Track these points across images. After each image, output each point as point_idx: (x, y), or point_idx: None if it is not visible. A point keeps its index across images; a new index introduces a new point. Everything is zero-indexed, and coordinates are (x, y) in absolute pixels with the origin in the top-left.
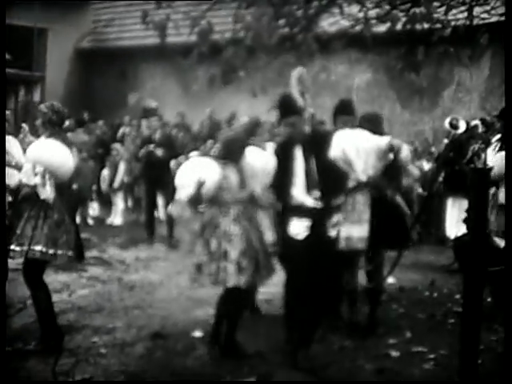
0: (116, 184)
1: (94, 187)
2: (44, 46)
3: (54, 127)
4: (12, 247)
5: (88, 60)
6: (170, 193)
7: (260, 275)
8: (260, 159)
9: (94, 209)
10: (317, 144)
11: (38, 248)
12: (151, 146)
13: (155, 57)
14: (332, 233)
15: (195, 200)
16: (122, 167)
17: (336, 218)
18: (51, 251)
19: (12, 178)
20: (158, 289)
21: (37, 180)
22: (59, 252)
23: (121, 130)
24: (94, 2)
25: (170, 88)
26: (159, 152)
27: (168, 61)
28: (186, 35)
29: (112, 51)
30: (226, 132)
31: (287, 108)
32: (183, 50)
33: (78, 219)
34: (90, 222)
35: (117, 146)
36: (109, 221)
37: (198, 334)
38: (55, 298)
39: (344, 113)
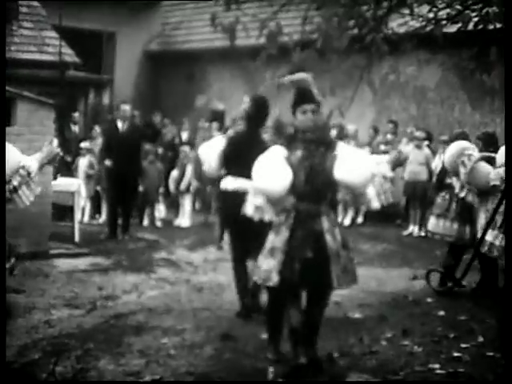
0: (183, 186)
1: (161, 189)
2: (113, 49)
3: None
4: None
5: (156, 62)
6: None
7: None
8: None
9: (160, 211)
10: None
11: None
12: None
13: (222, 59)
14: None
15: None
16: (189, 169)
17: None
18: None
19: None
20: (226, 290)
21: None
22: None
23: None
24: (163, 5)
25: (238, 90)
26: None
27: (235, 63)
28: (254, 37)
29: (180, 54)
30: None
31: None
32: (250, 51)
33: (145, 221)
34: (158, 223)
35: (185, 148)
36: (176, 222)
37: (265, 335)
38: (125, 298)
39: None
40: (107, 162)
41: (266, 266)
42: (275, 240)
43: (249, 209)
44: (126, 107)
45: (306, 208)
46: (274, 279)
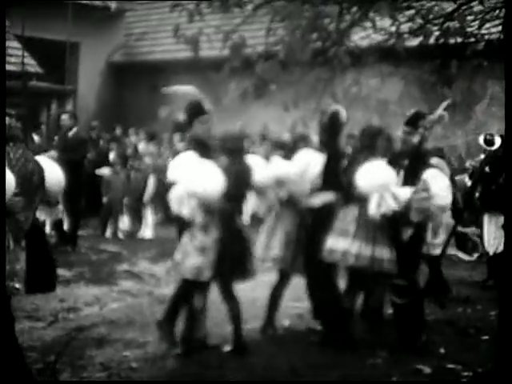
0: (146, 198)
1: (125, 201)
2: (76, 60)
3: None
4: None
5: (120, 73)
6: None
7: None
8: None
9: (124, 222)
10: None
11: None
12: None
13: (186, 70)
14: None
15: None
16: (151, 180)
17: None
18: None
19: None
20: None
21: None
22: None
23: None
24: (126, 16)
25: None
26: None
27: (199, 74)
28: (218, 49)
29: (144, 64)
30: None
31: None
32: (214, 63)
33: (108, 233)
34: (121, 235)
35: (146, 159)
36: (139, 234)
37: (229, 348)
38: (86, 311)
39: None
40: None
41: (197, 263)
42: (205, 239)
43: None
44: (64, 117)
45: (228, 209)
46: (206, 274)
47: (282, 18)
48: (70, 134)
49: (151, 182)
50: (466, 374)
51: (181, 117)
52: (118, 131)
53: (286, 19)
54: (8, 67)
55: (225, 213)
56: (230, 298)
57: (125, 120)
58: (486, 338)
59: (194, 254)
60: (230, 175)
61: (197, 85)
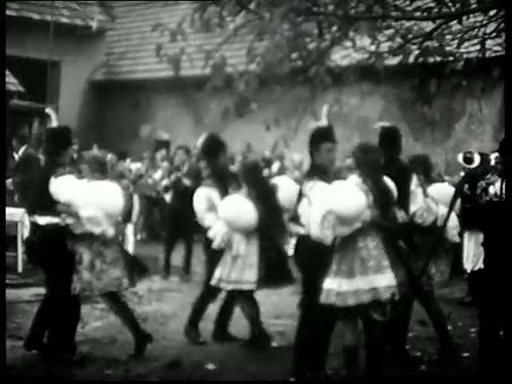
0: (133, 217)
1: None
2: (57, 79)
3: None
4: None
5: (101, 92)
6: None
7: None
8: None
9: None
10: None
11: None
12: (179, 174)
13: (168, 89)
14: None
15: None
16: (137, 202)
17: None
18: None
19: None
20: (171, 320)
21: None
22: None
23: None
24: (108, 35)
25: (183, 120)
26: (187, 182)
27: (180, 93)
28: (199, 68)
29: (125, 83)
30: None
31: None
32: (196, 82)
33: None
34: None
35: (125, 181)
36: None
37: (210, 366)
38: None
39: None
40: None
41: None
42: None
43: None
44: (13, 141)
45: None
46: None
47: (260, 37)
48: (19, 155)
49: (136, 202)
50: None
51: (164, 135)
52: (96, 150)
53: (266, 38)
54: None
55: None
56: None
57: (106, 138)
58: (466, 354)
59: None
60: None
61: (178, 103)
